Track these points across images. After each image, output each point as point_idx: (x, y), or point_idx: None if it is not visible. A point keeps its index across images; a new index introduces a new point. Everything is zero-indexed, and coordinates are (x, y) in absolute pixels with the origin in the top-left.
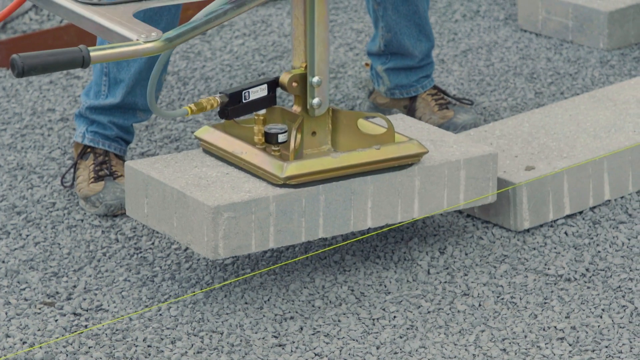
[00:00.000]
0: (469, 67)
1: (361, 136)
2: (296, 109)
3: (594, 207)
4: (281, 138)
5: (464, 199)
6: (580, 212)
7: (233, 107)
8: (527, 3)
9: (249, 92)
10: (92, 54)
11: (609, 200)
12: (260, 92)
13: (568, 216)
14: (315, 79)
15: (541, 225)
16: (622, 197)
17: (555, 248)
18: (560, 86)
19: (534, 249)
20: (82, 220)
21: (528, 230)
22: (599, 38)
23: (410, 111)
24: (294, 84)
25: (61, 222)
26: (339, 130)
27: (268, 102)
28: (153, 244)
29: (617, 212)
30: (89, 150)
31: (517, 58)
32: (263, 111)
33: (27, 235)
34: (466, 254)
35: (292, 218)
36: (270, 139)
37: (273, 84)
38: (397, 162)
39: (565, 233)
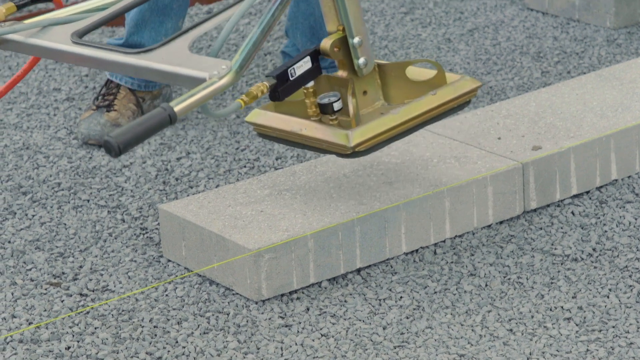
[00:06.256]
0: (475, 46)
1: (413, 84)
2: (342, 73)
3: (601, 187)
4: (337, 106)
5: (492, 215)
6: (587, 192)
7: (282, 88)
8: None
9: (294, 68)
10: (176, 109)
11: (616, 180)
12: (305, 65)
13: (575, 196)
14: (356, 40)
15: (548, 205)
16: (629, 177)
17: (562, 228)
18: (567, 65)
19: (541, 228)
20: (88, 201)
21: (535, 210)
22: (606, 17)
23: None
24: (336, 49)
25: (67, 202)
26: (389, 83)
27: (314, 73)
28: (159, 224)
29: (624, 192)
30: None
31: (523, 37)
32: (311, 83)
33: (33, 216)
34: (473, 234)
35: (330, 252)
36: (326, 109)
37: (315, 54)
38: (456, 102)
39: (572, 213)
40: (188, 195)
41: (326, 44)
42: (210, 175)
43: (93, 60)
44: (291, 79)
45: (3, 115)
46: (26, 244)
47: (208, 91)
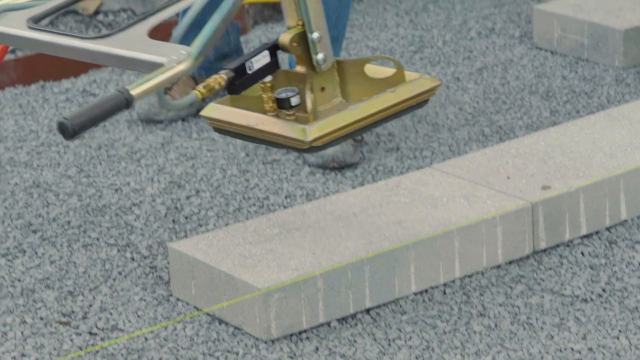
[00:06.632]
0: (484, 85)
1: (371, 82)
2: (300, 69)
3: (611, 227)
4: (294, 101)
5: (502, 254)
6: (597, 232)
7: (240, 81)
8: (542, 21)
9: (251, 62)
10: (132, 92)
11: (626, 220)
12: (263, 59)
13: (584, 236)
14: (316, 35)
15: (557, 245)
16: (638, 217)
17: (571, 268)
18: (576, 104)
19: (550, 269)
20: (97, 239)
21: (544, 250)
22: (615, 56)
23: None
24: (295, 44)
25: (77, 240)
26: (347, 80)
27: (272, 67)
28: (169, 263)
29: (633, 232)
30: None
31: (532, 76)
32: (269, 78)
33: (43, 254)
34: (482, 274)
35: (340, 291)
36: (283, 104)
37: (274, 48)
38: (414, 101)
39: (582, 253)
40: (197, 234)
41: (285, 38)
42: (220, 214)
43: (49, 46)
44: (249, 72)
45: (14, 153)
46: (36, 282)
47: (166, 76)
